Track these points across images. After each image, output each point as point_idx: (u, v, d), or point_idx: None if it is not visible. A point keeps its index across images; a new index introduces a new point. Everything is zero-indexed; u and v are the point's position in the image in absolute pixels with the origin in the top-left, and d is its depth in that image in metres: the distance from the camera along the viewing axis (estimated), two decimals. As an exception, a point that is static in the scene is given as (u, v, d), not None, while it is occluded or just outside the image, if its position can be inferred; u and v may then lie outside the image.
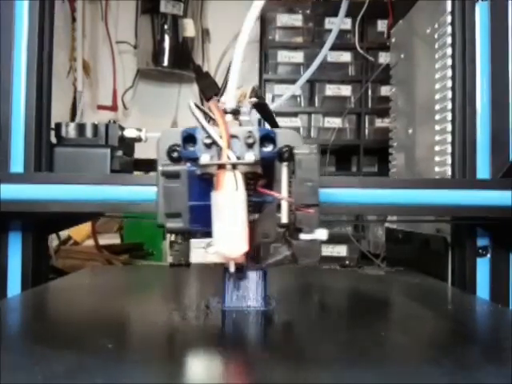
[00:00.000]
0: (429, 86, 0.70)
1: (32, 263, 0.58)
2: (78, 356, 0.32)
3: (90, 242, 1.26)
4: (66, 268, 1.01)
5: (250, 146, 0.38)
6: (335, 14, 1.39)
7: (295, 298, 0.53)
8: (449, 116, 0.63)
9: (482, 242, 0.60)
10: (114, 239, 1.39)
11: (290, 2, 1.44)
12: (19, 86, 0.57)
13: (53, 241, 1.07)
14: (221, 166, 0.37)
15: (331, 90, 1.42)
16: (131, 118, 1.78)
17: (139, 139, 0.68)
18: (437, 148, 0.67)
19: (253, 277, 0.44)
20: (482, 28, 0.60)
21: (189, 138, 0.39)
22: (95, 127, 0.63)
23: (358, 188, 0.51)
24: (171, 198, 0.40)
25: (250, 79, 1.37)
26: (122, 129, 0.65)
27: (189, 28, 1.67)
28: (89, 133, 0.63)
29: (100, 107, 1.79)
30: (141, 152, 0.75)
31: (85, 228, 1.27)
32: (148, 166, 0.76)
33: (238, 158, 0.38)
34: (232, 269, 0.41)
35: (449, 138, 0.63)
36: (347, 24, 1.39)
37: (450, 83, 0.63)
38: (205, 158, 0.38)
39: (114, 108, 1.77)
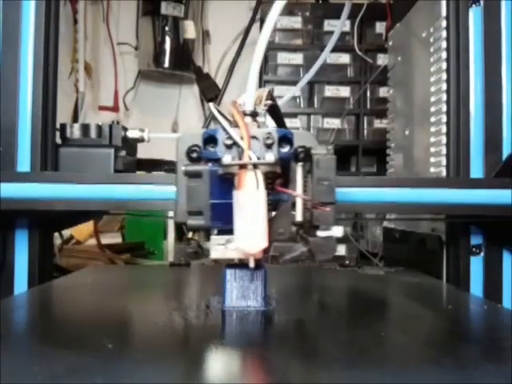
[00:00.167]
0: (425, 88, 0.71)
1: (38, 260, 0.59)
2: (78, 356, 0.32)
3: (92, 242, 1.27)
4: (69, 266, 1.02)
5: (268, 146, 0.40)
6: (334, 17, 1.41)
7: (295, 297, 0.53)
8: (444, 118, 0.65)
9: (475, 240, 0.61)
10: (115, 238, 1.40)
11: (290, 5, 1.45)
12: (26, 88, 0.59)
13: (56, 240, 1.08)
14: (242, 166, 0.39)
15: (330, 91, 1.43)
16: (132, 119, 1.79)
17: (142, 139, 0.69)
18: (432, 149, 0.68)
19: (253, 277, 0.45)
20: (476, 32, 0.61)
21: (209, 139, 0.41)
22: (99, 128, 0.64)
23: (357, 187, 0.52)
24: (193, 197, 0.41)
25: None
26: (125, 129, 0.66)
27: (189, 30, 1.68)
28: (93, 133, 0.64)
29: (101, 108, 1.80)
30: (142, 152, 0.76)
31: (87, 227, 1.28)
32: (150, 165, 0.78)
33: (258, 158, 0.39)
34: (252, 265, 0.42)
35: (444, 139, 0.65)
36: (346, 26, 1.39)
37: (444, 86, 0.65)
38: (227, 159, 0.40)
39: (115, 109, 1.78)
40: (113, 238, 1.38)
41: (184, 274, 0.68)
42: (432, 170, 0.68)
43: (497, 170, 0.58)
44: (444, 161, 0.64)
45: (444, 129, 0.65)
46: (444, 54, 0.65)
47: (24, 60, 0.59)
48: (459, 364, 0.32)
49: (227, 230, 0.41)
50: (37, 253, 0.60)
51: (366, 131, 1.43)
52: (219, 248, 0.42)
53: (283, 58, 1.43)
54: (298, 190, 0.42)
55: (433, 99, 0.68)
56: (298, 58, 1.43)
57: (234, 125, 0.41)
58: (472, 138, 0.61)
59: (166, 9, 1.65)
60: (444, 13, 0.65)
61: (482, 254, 0.61)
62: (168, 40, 1.67)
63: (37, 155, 0.58)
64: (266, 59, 1.42)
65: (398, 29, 0.87)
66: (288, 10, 1.44)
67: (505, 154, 0.60)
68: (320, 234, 0.40)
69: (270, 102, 0.44)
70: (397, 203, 0.53)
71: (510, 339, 0.37)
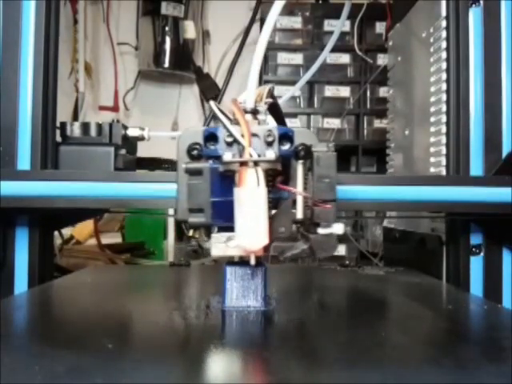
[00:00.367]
0: (424, 88, 0.71)
1: (38, 258, 0.60)
2: (78, 356, 0.32)
3: (92, 242, 1.27)
4: (69, 266, 1.02)
5: (269, 144, 0.40)
6: (334, 17, 1.42)
7: (295, 297, 0.53)
8: (443, 118, 0.65)
9: (475, 240, 0.61)
10: (115, 238, 1.40)
11: (290, 5, 1.45)
12: (26, 87, 0.59)
13: (56, 240, 1.08)
14: (243, 163, 0.39)
15: (330, 91, 1.43)
16: (132, 119, 1.79)
17: (142, 138, 0.69)
18: (432, 149, 0.68)
19: (253, 277, 0.45)
20: (476, 32, 0.61)
21: (210, 137, 0.41)
22: (99, 126, 0.64)
23: (357, 185, 0.52)
24: (194, 194, 0.42)
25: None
26: (126, 128, 0.67)
27: (189, 30, 1.69)
28: (93, 132, 0.64)
29: (102, 108, 1.80)
30: (142, 151, 0.76)
31: (87, 227, 1.28)
32: (150, 164, 0.78)
33: (259, 155, 0.39)
34: (253, 262, 0.42)
35: (444, 139, 0.65)
36: (346, 26, 1.40)
37: (444, 86, 0.65)
38: (228, 156, 0.40)
39: (115, 109, 1.78)
40: (113, 238, 1.38)
41: (184, 273, 0.68)
42: (432, 169, 0.68)
43: (497, 167, 0.58)
44: (444, 161, 0.65)
45: (444, 129, 0.65)
46: (444, 54, 0.65)
47: (24, 59, 0.59)
48: (459, 364, 0.32)
49: (228, 227, 0.41)
50: (37, 251, 0.60)
51: (365, 131, 1.43)
52: (220, 245, 0.42)
53: (283, 57, 1.44)
54: (298, 188, 0.42)
55: (433, 99, 0.68)
56: (298, 58, 1.44)
57: (235, 123, 0.41)
58: (472, 137, 0.61)
59: (166, 9, 1.65)
60: (444, 13, 0.65)
61: (481, 253, 0.61)
62: (168, 40, 1.67)
63: (37, 153, 0.58)
64: (265, 59, 1.43)
65: (398, 29, 0.87)
66: (288, 10, 1.44)
67: (504, 155, 0.60)
68: (321, 231, 0.40)
69: (270, 99, 0.44)
70: (397, 201, 0.53)
71: (509, 339, 0.37)
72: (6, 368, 0.29)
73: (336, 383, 0.29)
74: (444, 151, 0.64)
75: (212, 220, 0.42)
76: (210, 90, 1.72)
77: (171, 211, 0.46)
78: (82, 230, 1.30)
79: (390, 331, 0.41)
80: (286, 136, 0.41)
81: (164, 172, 0.50)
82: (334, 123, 1.42)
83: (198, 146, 0.42)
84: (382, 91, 1.38)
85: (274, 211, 0.42)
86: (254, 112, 0.43)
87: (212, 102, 0.42)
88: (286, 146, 0.41)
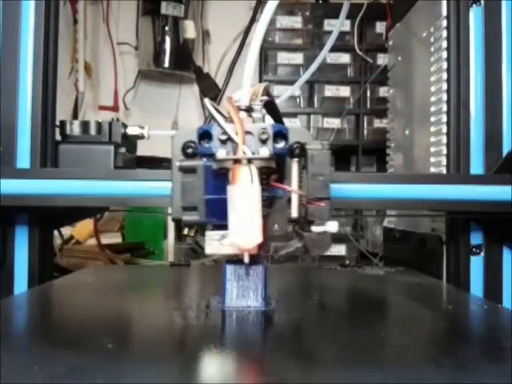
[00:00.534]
0: (425, 88, 0.71)
1: (38, 257, 0.60)
2: (78, 356, 0.32)
3: (92, 242, 1.27)
4: (69, 266, 1.02)
5: (263, 141, 0.40)
6: (334, 16, 1.41)
7: (295, 297, 0.53)
8: (444, 118, 0.65)
9: (475, 240, 0.61)
10: (115, 238, 1.40)
11: (290, 4, 1.45)
12: (25, 86, 0.59)
13: (56, 240, 1.08)
14: (236, 161, 0.39)
15: (330, 90, 1.43)
16: (132, 119, 1.79)
17: (142, 136, 0.69)
18: (432, 149, 0.68)
19: (253, 276, 0.45)
20: (476, 32, 0.61)
21: (204, 135, 0.41)
22: (99, 125, 0.64)
23: (358, 183, 0.52)
24: (188, 192, 0.42)
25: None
26: (125, 126, 0.66)
27: (189, 29, 1.69)
28: (93, 130, 0.64)
29: (101, 108, 1.80)
30: (142, 150, 0.76)
31: (87, 227, 1.28)
32: (150, 163, 0.78)
33: (253, 153, 0.39)
34: (246, 260, 0.42)
35: (444, 139, 0.64)
36: (346, 26, 1.40)
37: (445, 86, 0.65)
38: (221, 153, 0.40)
39: (115, 108, 1.78)
40: (113, 238, 1.38)
41: (184, 273, 0.68)
42: (432, 169, 0.68)
43: (497, 166, 0.58)
44: (444, 161, 0.64)
45: (444, 128, 0.65)
46: (444, 54, 0.65)
47: (23, 59, 0.59)
48: (459, 364, 0.32)
49: (223, 225, 0.40)
50: (37, 250, 0.60)
51: (365, 131, 1.43)
52: (214, 243, 0.42)
53: (283, 57, 1.43)
54: (293, 186, 0.42)
55: (433, 99, 0.68)
56: (298, 58, 1.43)
57: (230, 121, 0.41)
58: (472, 137, 0.61)
59: (165, 9, 1.65)
60: (444, 12, 0.65)
61: (482, 254, 0.61)
62: (168, 40, 1.67)
63: (36, 152, 0.58)
64: (266, 59, 1.43)
65: (398, 28, 0.87)
66: (288, 10, 1.44)
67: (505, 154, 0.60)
68: (315, 229, 0.40)
69: (265, 97, 0.44)
70: (396, 199, 0.53)
71: (509, 339, 0.37)
72: (5, 368, 0.29)
73: (336, 383, 0.29)
74: (444, 151, 0.64)
75: (206, 218, 0.42)
76: (210, 90, 1.72)
77: (171, 209, 0.46)
78: (82, 229, 1.30)
79: (390, 331, 0.41)
80: (280, 134, 0.41)
81: (163, 170, 0.50)
82: (333, 123, 1.42)
83: (192, 144, 0.42)
84: (382, 91, 1.38)
85: (268, 210, 0.42)
86: (249, 110, 0.42)
87: (207, 100, 0.42)
88: (281, 144, 0.41)
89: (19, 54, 0.59)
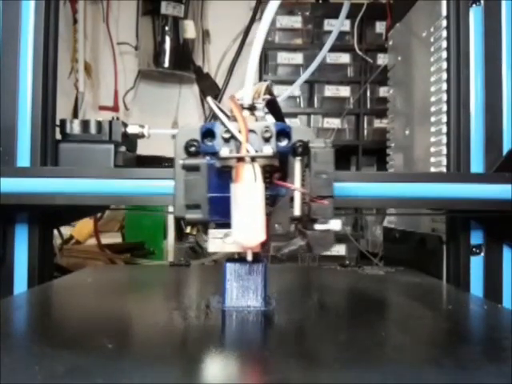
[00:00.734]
0: (425, 88, 0.71)
1: (38, 255, 0.60)
2: (78, 356, 0.32)
3: (92, 241, 1.27)
4: (69, 266, 1.02)
5: (266, 140, 0.40)
6: (334, 16, 1.41)
7: (295, 297, 0.53)
8: (444, 118, 0.65)
9: (475, 240, 0.61)
10: (115, 238, 1.40)
11: (290, 4, 1.45)
12: (25, 85, 0.59)
13: (56, 240, 1.08)
14: (240, 159, 0.39)
15: (330, 90, 1.43)
16: (132, 119, 1.79)
17: (142, 135, 0.69)
18: (432, 149, 0.68)
19: (253, 276, 0.45)
20: (476, 32, 0.61)
21: (207, 133, 0.41)
22: (99, 124, 0.64)
23: (359, 181, 0.52)
24: (191, 190, 0.42)
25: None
26: (125, 125, 0.66)
27: (189, 29, 1.68)
28: (93, 129, 0.64)
29: (101, 108, 1.80)
30: (142, 150, 0.76)
31: (87, 227, 1.28)
32: (150, 162, 0.78)
33: (256, 151, 0.39)
34: (250, 258, 0.42)
35: (444, 139, 0.65)
36: (346, 26, 1.40)
37: (445, 86, 0.65)
38: (224, 152, 0.40)
39: (115, 109, 1.78)
40: (113, 238, 1.38)
41: (184, 273, 0.68)
42: (432, 169, 0.68)
43: (497, 165, 0.58)
44: (444, 161, 0.64)
45: (444, 129, 0.65)
46: (444, 54, 0.65)
47: (23, 58, 0.59)
48: (459, 364, 0.32)
49: (225, 223, 0.40)
50: (37, 248, 0.60)
51: (366, 131, 1.43)
52: (217, 242, 0.42)
53: (283, 57, 1.43)
54: (296, 184, 0.42)
55: (433, 99, 0.68)
56: (298, 58, 1.43)
57: (233, 119, 0.41)
58: (472, 137, 0.61)
59: (165, 8, 1.65)
60: (444, 12, 0.65)
61: (482, 254, 0.61)
62: (168, 40, 1.67)
63: (36, 151, 0.59)
64: (265, 59, 1.43)
65: (398, 28, 0.87)
66: (288, 10, 1.44)
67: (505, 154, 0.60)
68: (318, 227, 0.40)
69: (268, 96, 0.44)
70: (398, 198, 0.53)
71: (509, 339, 0.37)
72: (5, 368, 0.29)
73: (336, 383, 0.29)
74: (444, 151, 0.64)
75: (209, 216, 0.42)
76: (210, 90, 1.72)
77: (171, 208, 0.46)
78: (82, 229, 1.30)
79: (390, 331, 0.41)
80: (283, 132, 0.41)
81: (164, 169, 0.50)
82: (334, 123, 1.42)
83: (195, 143, 0.42)
84: (382, 91, 1.38)
85: (271, 208, 0.42)
86: (252, 108, 0.43)
87: (210, 99, 0.42)
88: (284, 143, 0.41)
89: (19, 53, 0.59)
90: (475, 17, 0.61)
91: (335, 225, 0.40)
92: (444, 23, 0.65)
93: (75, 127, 0.64)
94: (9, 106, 0.58)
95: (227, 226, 0.40)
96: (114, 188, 0.52)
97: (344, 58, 1.42)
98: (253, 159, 0.39)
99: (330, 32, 1.42)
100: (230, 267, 0.45)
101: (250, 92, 0.42)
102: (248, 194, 0.38)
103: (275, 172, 0.42)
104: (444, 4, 0.65)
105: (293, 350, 0.35)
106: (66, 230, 1.24)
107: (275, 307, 0.45)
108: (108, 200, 0.55)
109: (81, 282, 0.61)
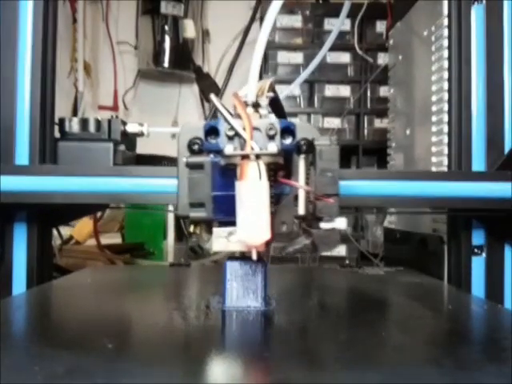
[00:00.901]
0: (426, 87, 0.71)
1: (37, 254, 0.59)
2: (78, 356, 0.32)
3: (92, 242, 1.26)
4: (68, 266, 1.02)
5: (271, 137, 0.40)
6: (334, 15, 1.41)
7: (295, 297, 0.52)
8: (445, 117, 0.64)
9: (477, 240, 0.61)
10: (115, 239, 1.40)
11: (290, 4, 1.45)
12: (23, 84, 0.58)
13: (55, 240, 1.08)
14: (244, 157, 0.39)
15: (330, 90, 1.43)
16: (132, 118, 1.79)
17: (141, 134, 0.68)
18: (433, 149, 0.68)
19: (253, 277, 0.44)
20: (478, 31, 0.61)
21: (211, 131, 0.40)
22: (98, 122, 0.63)
23: (359, 180, 0.52)
24: (195, 188, 0.41)
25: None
26: (125, 124, 0.66)
27: (189, 29, 1.68)
28: (92, 127, 0.63)
29: (101, 107, 1.80)
30: (142, 149, 0.76)
31: (86, 227, 1.28)
32: (149, 161, 0.77)
33: (260, 149, 0.39)
34: (254, 257, 0.41)
35: (445, 139, 0.64)
36: (346, 25, 1.40)
37: (446, 85, 0.64)
38: (229, 149, 0.39)
39: (114, 108, 1.78)
40: (112, 239, 1.38)
41: (184, 273, 0.68)
42: (433, 169, 0.68)
43: (499, 163, 0.58)
44: (445, 161, 0.64)
45: (445, 128, 0.64)
46: (445, 53, 0.65)
47: (22, 57, 0.59)
48: (459, 364, 0.32)
49: (229, 222, 0.40)
50: (36, 247, 0.59)
51: (366, 131, 1.43)
52: (221, 240, 0.42)
53: (283, 57, 1.43)
54: (300, 182, 0.42)
55: (434, 98, 0.68)
56: (298, 57, 1.43)
57: (236, 117, 0.40)
58: (474, 137, 0.60)
59: (165, 8, 1.65)
60: (445, 11, 0.65)
61: (483, 254, 0.61)
62: (168, 39, 1.67)
63: (35, 150, 0.58)
64: (266, 58, 1.43)
65: (399, 27, 0.87)
66: (288, 9, 1.44)
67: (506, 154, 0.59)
68: (323, 225, 0.40)
69: (271, 93, 0.44)
70: (399, 196, 0.53)
71: (510, 340, 0.37)
72: (5, 368, 0.29)
73: (336, 383, 0.29)
74: (446, 151, 0.64)
75: (213, 214, 0.41)
76: (210, 90, 1.72)
77: (171, 207, 0.45)
78: (82, 230, 1.30)
79: (391, 331, 0.41)
80: (288, 130, 0.40)
81: (163, 167, 0.50)
82: (334, 123, 1.42)
83: (198, 141, 0.41)
84: (383, 90, 1.38)
85: (275, 207, 0.42)
86: (256, 105, 0.42)
87: (213, 96, 0.42)
88: (288, 141, 0.41)
89: (17, 52, 0.58)
90: (477, 15, 0.61)
91: (340, 223, 0.40)
92: (445, 22, 0.65)
93: (74, 125, 0.63)
94: (7, 105, 0.58)
95: (231, 224, 0.40)
96: (114, 186, 0.52)
97: (344, 57, 1.42)
98: (257, 157, 0.38)
99: (330, 31, 1.41)
100: (231, 266, 0.44)
101: (254, 89, 0.42)
102: (253, 191, 0.37)
103: (279, 170, 0.41)
104: (445, 3, 0.65)
105: (293, 350, 0.35)
106: (65, 231, 1.24)
107: (275, 307, 0.45)
108: (107, 198, 0.55)
109: (80, 282, 0.61)
